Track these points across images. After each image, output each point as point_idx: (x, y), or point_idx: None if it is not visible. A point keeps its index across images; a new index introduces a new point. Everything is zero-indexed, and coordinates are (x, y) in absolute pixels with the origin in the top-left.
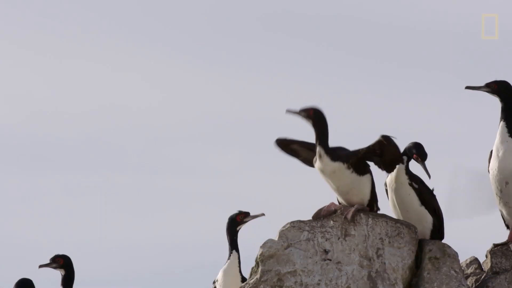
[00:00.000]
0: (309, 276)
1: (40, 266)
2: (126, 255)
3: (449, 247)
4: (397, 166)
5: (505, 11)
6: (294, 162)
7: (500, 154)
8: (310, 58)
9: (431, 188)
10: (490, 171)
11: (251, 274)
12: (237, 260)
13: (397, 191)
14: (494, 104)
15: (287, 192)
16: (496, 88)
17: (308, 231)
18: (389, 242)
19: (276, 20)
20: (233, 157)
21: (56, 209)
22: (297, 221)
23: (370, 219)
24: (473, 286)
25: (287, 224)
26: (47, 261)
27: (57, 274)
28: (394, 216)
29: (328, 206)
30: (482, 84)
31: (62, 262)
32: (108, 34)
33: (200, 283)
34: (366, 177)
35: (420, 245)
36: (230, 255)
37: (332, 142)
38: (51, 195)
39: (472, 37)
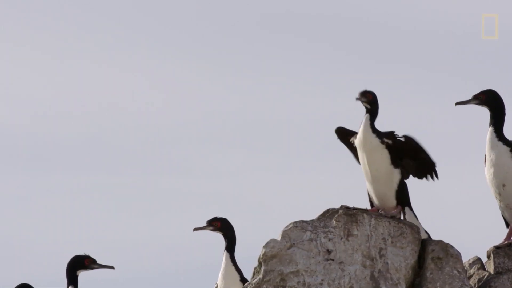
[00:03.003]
0: (312, 276)
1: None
2: (126, 255)
3: (452, 247)
4: (363, 124)
5: (505, 11)
6: (295, 162)
7: (493, 159)
8: (312, 58)
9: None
10: (486, 175)
11: (253, 274)
12: (230, 259)
13: (369, 152)
14: None
15: (289, 192)
16: (485, 98)
17: (311, 231)
18: (392, 242)
19: (278, 20)
20: (234, 157)
21: (57, 209)
22: (300, 221)
23: (373, 219)
24: (476, 286)
25: (289, 224)
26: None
27: (55, 275)
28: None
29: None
30: (469, 97)
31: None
32: (109, 34)
33: (200, 283)
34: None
35: (423, 245)
36: (223, 256)
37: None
38: (51, 195)
39: (472, 37)
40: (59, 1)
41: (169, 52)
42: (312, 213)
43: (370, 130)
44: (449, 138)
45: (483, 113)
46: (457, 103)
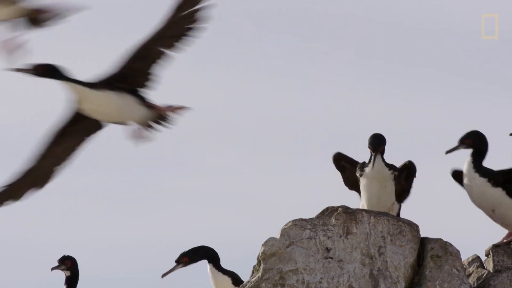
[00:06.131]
0: (311, 275)
1: (53, 269)
2: (124, 254)
3: (451, 245)
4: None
5: (505, 11)
6: (295, 161)
7: (475, 191)
8: (309, 56)
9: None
10: (473, 203)
11: (252, 273)
12: (214, 268)
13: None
14: (494, 102)
15: (288, 190)
16: (471, 143)
17: (310, 229)
18: (391, 240)
19: (275, 18)
20: (233, 155)
21: (55, 208)
22: (299, 219)
23: (372, 217)
24: (475, 284)
25: (289, 222)
26: (56, 263)
27: (55, 275)
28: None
29: None
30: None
31: (70, 265)
32: (106, 32)
33: (199, 283)
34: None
35: (422, 243)
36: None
37: (336, 143)
38: (50, 195)
39: (472, 37)
40: None
41: None
42: (311, 211)
43: (383, 164)
44: (449, 137)
45: (484, 112)
46: (447, 152)
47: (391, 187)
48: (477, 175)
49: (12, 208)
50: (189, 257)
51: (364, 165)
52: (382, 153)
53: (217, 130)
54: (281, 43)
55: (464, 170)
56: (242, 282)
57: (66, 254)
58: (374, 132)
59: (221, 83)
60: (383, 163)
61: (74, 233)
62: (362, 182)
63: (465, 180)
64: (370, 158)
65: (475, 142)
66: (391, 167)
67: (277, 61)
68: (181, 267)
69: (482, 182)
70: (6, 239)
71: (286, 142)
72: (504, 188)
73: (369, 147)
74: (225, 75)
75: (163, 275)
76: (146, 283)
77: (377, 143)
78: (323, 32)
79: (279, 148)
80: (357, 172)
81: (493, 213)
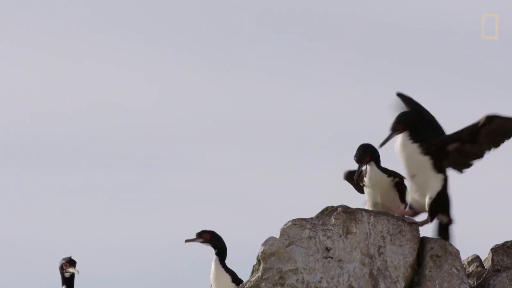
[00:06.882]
0: (311, 274)
1: (67, 273)
2: (124, 254)
3: (451, 245)
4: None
5: (505, 11)
6: (295, 161)
7: (403, 155)
8: (309, 56)
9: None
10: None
11: (252, 272)
12: (219, 262)
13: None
14: (494, 102)
15: (288, 190)
16: (403, 126)
17: (309, 229)
18: (391, 240)
19: (275, 18)
20: (233, 155)
21: (55, 208)
22: (299, 219)
23: (371, 217)
24: (475, 284)
25: (288, 222)
26: (55, 263)
27: (55, 275)
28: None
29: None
30: (388, 129)
31: (75, 266)
32: (106, 32)
33: (199, 283)
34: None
35: (422, 243)
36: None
37: (336, 143)
38: (49, 194)
39: (472, 37)
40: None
41: (167, 50)
42: (311, 211)
43: (379, 171)
44: None
45: (484, 112)
46: (381, 145)
47: (394, 192)
48: (410, 141)
49: (12, 208)
50: (210, 236)
51: (361, 175)
52: (377, 160)
53: (217, 130)
54: (281, 43)
55: (400, 138)
56: (241, 282)
57: (70, 256)
58: (363, 142)
59: (221, 83)
60: (379, 171)
61: (74, 233)
62: (366, 191)
63: (398, 145)
64: (361, 169)
65: (408, 124)
66: (390, 173)
67: (277, 61)
68: (200, 242)
69: (412, 148)
70: (6, 239)
71: (286, 142)
72: (432, 158)
73: (354, 159)
74: (225, 75)
75: (186, 241)
76: (146, 283)
77: (360, 155)
78: (323, 32)
79: (279, 148)
80: (360, 183)
81: (412, 179)
